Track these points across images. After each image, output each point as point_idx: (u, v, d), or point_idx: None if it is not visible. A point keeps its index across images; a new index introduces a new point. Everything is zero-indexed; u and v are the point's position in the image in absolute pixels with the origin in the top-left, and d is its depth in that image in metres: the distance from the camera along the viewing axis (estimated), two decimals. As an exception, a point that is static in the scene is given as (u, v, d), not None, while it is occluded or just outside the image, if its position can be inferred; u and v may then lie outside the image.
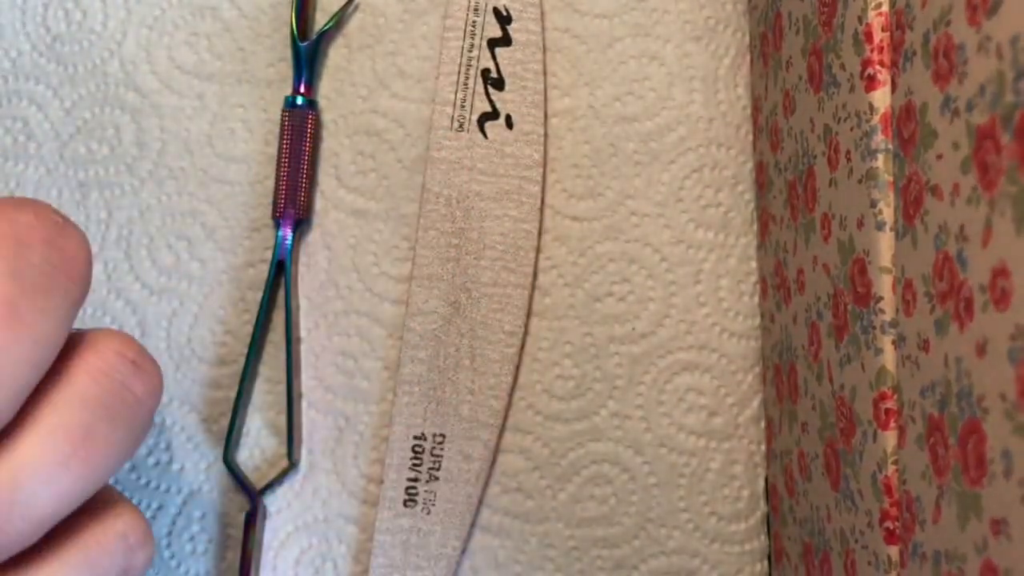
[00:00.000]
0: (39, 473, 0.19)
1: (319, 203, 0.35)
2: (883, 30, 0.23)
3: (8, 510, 0.19)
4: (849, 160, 0.25)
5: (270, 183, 0.35)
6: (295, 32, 0.34)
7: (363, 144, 0.35)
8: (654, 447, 0.33)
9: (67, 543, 0.21)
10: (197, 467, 0.34)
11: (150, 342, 0.34)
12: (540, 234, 0.34)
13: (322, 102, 0.35)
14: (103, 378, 0.21)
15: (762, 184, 0.33)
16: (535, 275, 0.34)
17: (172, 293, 0.34)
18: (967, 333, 0.19)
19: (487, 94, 0.34)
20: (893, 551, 0.23)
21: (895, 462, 0.23)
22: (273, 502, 0.33)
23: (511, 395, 0.33)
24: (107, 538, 0.22)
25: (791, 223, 0.30)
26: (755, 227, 0.34)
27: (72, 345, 0.21)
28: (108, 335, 0.22)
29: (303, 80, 0.34)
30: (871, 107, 0.23)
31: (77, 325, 0.32)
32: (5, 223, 0.19)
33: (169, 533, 0.33)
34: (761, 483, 0.33)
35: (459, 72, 0.34)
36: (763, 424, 0.33)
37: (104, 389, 0.20)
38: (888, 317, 0.23)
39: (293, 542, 0.33)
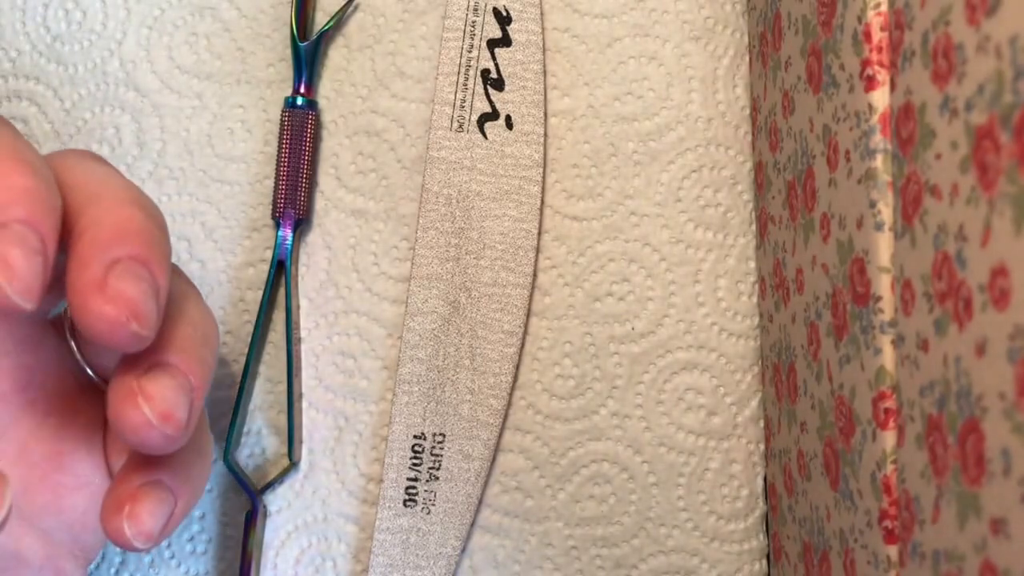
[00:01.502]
0: (200, 316, 0.24)
1: (319, 203, 0.35)
2: (882, 30, 0.23)
3: (204, 341, 0.24)
4: (848, 160, 0.25)
5: (270, 183, 0.35)
6: (295, 32, 0.34)
7: (363, 144, 0.35)
8: (653, 446, 0.33)
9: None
10: (197, 467, 0.34)
11: (150, 342, 0.34)
12: (540, 234, 0.34)
13: (322, 102, 0.35)
14: (177, 276, 0.25)
15: (761, 184, 0.33)
16: (535, 275, 0.34)
17: (172, 293, 0.34)
18: (966, 333, 0.19)
19: (487, 94, 0.34)
20: (892, 551, 0.23)
21: (894, 461, 0.23)
22: (273, 502, 0.33)
23: (511, 394, 0.33)
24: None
25: (790, 223, 0.30)
26: (754, 227, 0.34)
27: None
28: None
29: (303, 80, 0.34)
30: (870, 107, 0.23)
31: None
32: (78, 153, 0.24)
33: (169, 533, 0.33)
34: (760, 482, 0.33)
35: (459, 72, 0.34)
36: (762, 423, 0.34)
37: (183, 279, 0.26)
38: (887, 317, 0.23)
39: (293, 541, 0.33)
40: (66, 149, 0.23)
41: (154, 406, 0.21)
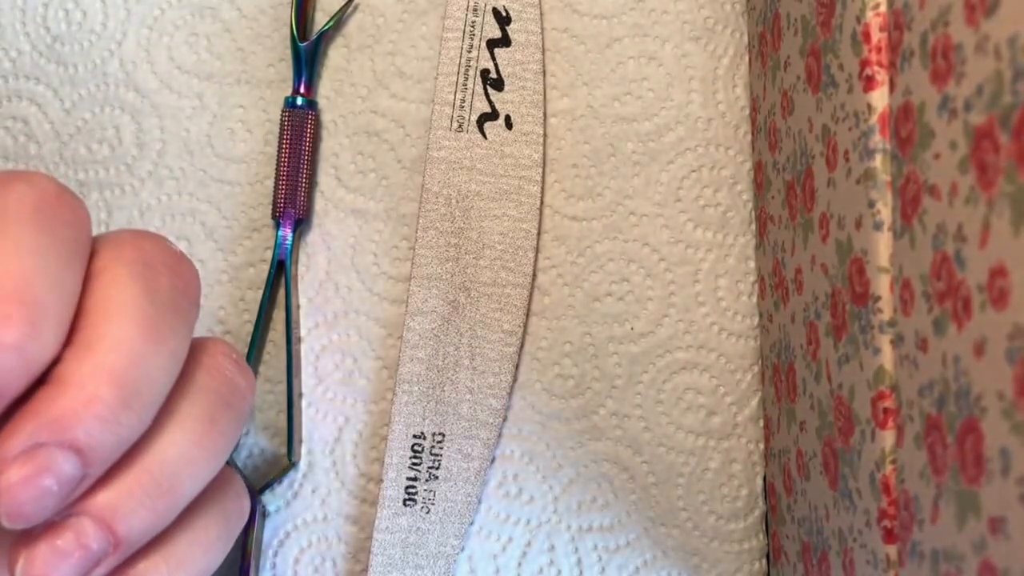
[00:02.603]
0: (181, 455, 0.22)
1: (319, 203, 0.35)
2: (881, 30, 0.23)
3: (158, 492, 0.21)
4: (847, 160, 0.25)
5: (270, 183, 0.35)
6: (295, 32, 0.34)
7: (363, 144, 0.35)
8: (653, 446, 0.33)
9: (207, 503, 0.24)
10: (197, 466, 0.34)
11: (150, 342, 0.34)
12: (539, 234, 0.34)
13: (322, 102, 0.35)
14: (216, 374, 0.24)
15: (760, 184, 0.33)
16: (534, 275, 0.34)
17: (172, 293, 0.34)
18: (965, 333, 0.19)
19: (486, 94, 0.34)
20: (891, 550, 0.23)
21: (893, 461, 0.23)
22: (272, 501, 0.33)
23: (510, 394, 0.34)
24: (236, 491, 0.26)
25: (789, 223, 0.30)
26: (753, 227, 0.34)
27: (188, 348, 0.23)
28: (214, 340, 0.25)
29: (303, 80, 0.34)
30: (869, 107, 0.23)
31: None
32: (134, 250, 0.22)
33: (169, 532, 0.33)
34: (759, 482, 0.33)
35: (458, 72, 0.34)
36: (761, 423, 0.34)
37: (218, 382, 0.24)
38: (886, 317, 0.23)
39: (292, 541, 0.33)
40: (132, 242, 0.22)
41: (27, 570, 0.20)
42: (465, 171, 0.34)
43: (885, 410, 0.23)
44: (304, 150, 0.34)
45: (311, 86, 0.35)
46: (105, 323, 0.20)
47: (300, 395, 0.34)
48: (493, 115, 0.34)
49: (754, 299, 0.34)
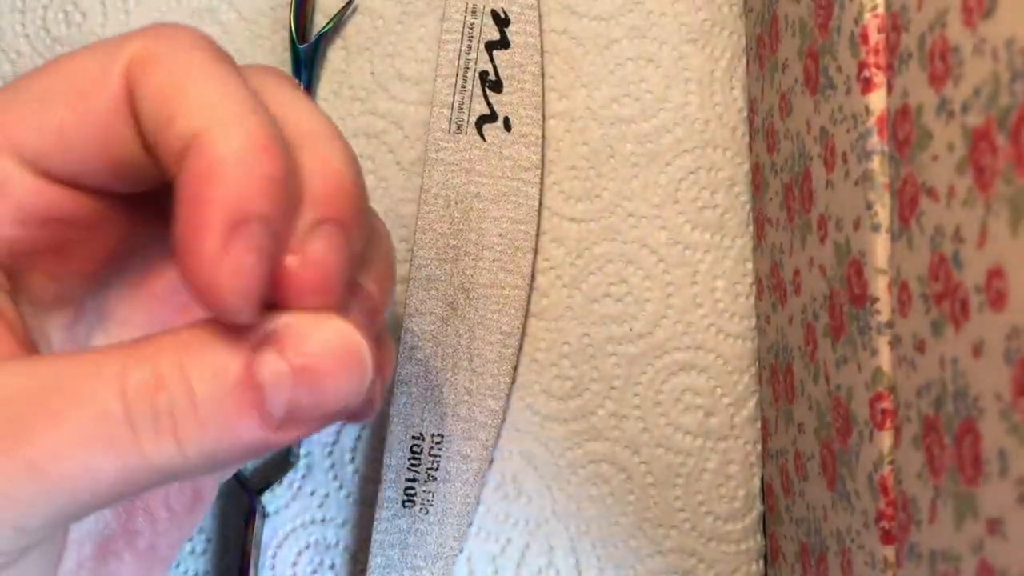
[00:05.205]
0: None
1: (317, 204, 0.35)
2: (879, 32, 0.23)
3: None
4: (845, 162, 0.25)
5: (268, 184, 0.35)
6: (294, 34, 0.34)
7: (361, 146, 0.35)
8: (651, 447, 0.33)
9: None
10: (196, 468, 0.34)
11: (149, 343, 0.34)
12: (538, 235, 0.34)
13: (321, 104, 0.35)
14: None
15: (758, 186, 0.33)
16: (533, 276, 0.34)
17: (171, 294, 0.34)
18: (963, 334, 0.19)
19: (485, 96, 0.34)
20: (889, 551, 0.23)
21: (891, 462, 0.23)
22: (272, 502, 0.33)
23: (509, 395, 0.34)
24: None
25: (787, 225, 0.30)
26: (751, 228, 0.34)
27: None
28: None
29: (302, 82, 0.34)
30: (867, 109, 0.23)
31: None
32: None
33: (168, 534, 0.33)
34: (757, 483, 0.33)
35: (457, 74, 0.34)
36: (759, 424, 0.34)
37: None
38: (884, 318, 0.23)
39: (292, 542, 0.33)
40: (261, 69, 0.22)
41: (308, 263, 0.19)
42: (464, 173, 0.34)
43: (883, 411, 0.23)
44: (303, 152, 0.34)
45: (310, 88, 0.35)
46: (305, 126, 0.20)
47: (299, 396, 0.34)
48: (492, 117, 0.34)
49: (752, 300, 0.34)
